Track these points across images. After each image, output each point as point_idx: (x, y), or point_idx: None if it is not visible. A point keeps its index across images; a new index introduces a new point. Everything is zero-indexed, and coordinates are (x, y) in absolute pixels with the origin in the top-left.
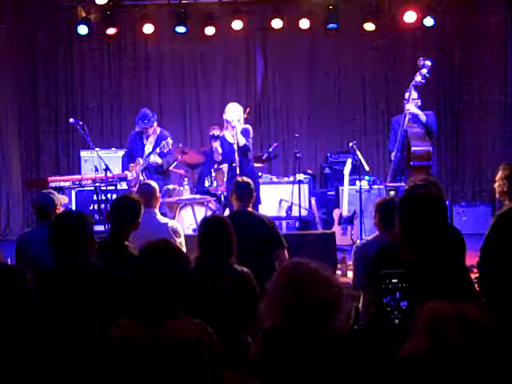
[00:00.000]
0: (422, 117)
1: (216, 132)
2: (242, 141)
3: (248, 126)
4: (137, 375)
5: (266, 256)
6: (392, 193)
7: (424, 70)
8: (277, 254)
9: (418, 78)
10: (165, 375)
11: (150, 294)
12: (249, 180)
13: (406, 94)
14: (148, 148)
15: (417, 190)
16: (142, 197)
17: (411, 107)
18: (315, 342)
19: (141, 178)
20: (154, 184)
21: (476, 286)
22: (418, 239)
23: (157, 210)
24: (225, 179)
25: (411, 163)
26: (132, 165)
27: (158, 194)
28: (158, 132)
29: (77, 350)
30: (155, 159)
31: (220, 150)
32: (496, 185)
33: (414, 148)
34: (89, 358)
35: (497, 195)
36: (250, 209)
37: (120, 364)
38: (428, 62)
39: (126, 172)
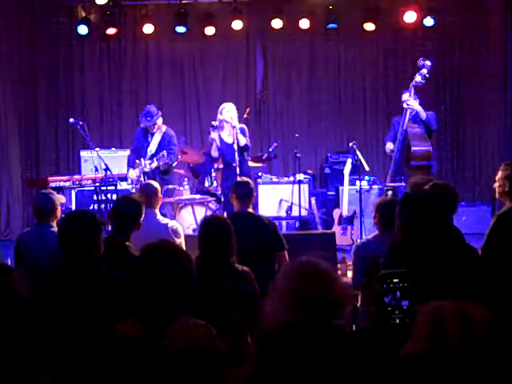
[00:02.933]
0: (422, 114)
1: (215, 123)
2: (243, 141)
3: (244, 126)
4: (139, 379)
5: (267, 257)
6: (389, 193)
7: (424, 71)
8: (277, 256)
9: (418, 78)
10: (168, 380)
11: (151, 296)
12: (249, 180)
13: (405, 95)
14: (151, 149)
15: (419, 189)
16: (144, 197)
17: (412, 102)
18: (320, 341)
19: (141, 179)
20: (155, 184)
21: None
22: (418, 237)
23: (157, 211)
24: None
25: (411, 163)
26: (138, 162)
27: (160, 195)
28: (164, 130)
29: (79, 352)
30: (151, 166)
31: (218, 142)
32: (496, 185)
33: (414, 148)
34: (91, 361)
35: (497, 195)
36: (250, 209)
37: (122, 368)
38: (428, 62)
39: (131, 170)
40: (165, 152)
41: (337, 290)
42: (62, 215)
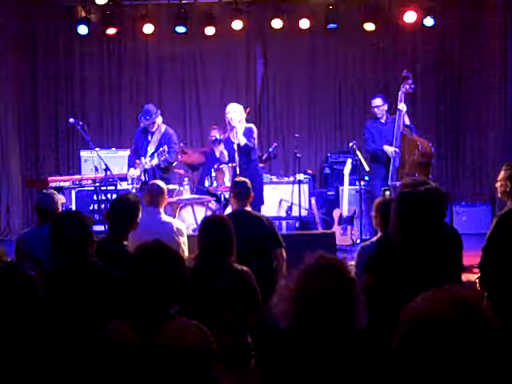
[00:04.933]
0: (406, 119)
1: (217, 135)
2: (243, 141)
3: (252, 126)
4: (132, 379)
5: (264, 255)
6: (387, 193)
7: (410, 81)
8: (275, 254)
9: (407, 86)
10: (160, 380)
11: (143, 296)
12: (246, 179)
13: (377, 100)
14: (151, 148)
15: (413, 188)
16: (149, 195)
17: (404, 107)
18: (334, 340)
19: (142, 178)
20: (162, 184)
21: (477, 285)
22: (413, 234)
23: (161, 210)
24: (225, 179)
25: (420, 161)
26: (138, 162)
27: (166, 196)
28: (163, 130)
29: (76, 350)
30: (151, 163)
31: (226, 153)
32: (498, 184)
33: (424, 148)
34: (84, 359)
35: (499, 195)
36: (248, 208)
37: (115, 368)
38: (410, 74)
39: (131, 169)
40: (165, 147)
41: (354, 285)
42: None
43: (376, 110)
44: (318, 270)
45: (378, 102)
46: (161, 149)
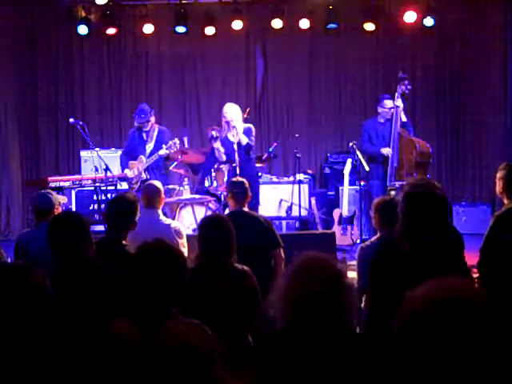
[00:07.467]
0: (403, 116)
1: (213, 132)
2: (245, 140)
3: (250, 125)
4: (134, 379)
5: (262, 255)
6: (392, 193)
7: (406, 82)
8: (273, 254)
9: (403, 87)
10: (162, 379)
11: (144, 296)
12: (243, 180)
13: (388, 102)
14: (149, 146)
15: (420, 188)
16: (146, 196)
17: (401, 104)
18: (328, 342)
19: (143, 176)
20: (158, 184)
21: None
22: (418, 234)
23: (159, 211)
24: (225, 179)
25: (419, 161)
26: (133, 162)
27: (163, 195)
28: (157, 127)
29: (77, 350)
30: (159, 153)
31: (222, 150)
32: (496, 185)
33: (422, 147)
34: (88, 359)
35: (497, 194)
36: (245, 208)
37: (116, 368)
38: (407, 76)
39: (126, 170)
40: (176, 140)
41: (342, 284)
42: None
43: (387, 110)
44: (305, 271)
45: (390, 103)
46: (170, 142)
